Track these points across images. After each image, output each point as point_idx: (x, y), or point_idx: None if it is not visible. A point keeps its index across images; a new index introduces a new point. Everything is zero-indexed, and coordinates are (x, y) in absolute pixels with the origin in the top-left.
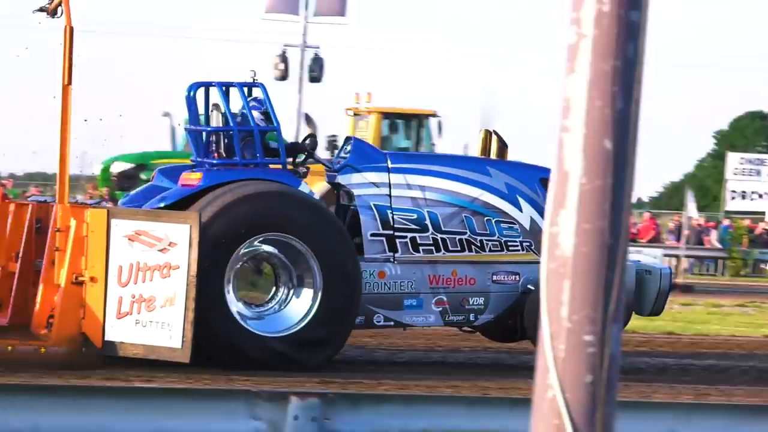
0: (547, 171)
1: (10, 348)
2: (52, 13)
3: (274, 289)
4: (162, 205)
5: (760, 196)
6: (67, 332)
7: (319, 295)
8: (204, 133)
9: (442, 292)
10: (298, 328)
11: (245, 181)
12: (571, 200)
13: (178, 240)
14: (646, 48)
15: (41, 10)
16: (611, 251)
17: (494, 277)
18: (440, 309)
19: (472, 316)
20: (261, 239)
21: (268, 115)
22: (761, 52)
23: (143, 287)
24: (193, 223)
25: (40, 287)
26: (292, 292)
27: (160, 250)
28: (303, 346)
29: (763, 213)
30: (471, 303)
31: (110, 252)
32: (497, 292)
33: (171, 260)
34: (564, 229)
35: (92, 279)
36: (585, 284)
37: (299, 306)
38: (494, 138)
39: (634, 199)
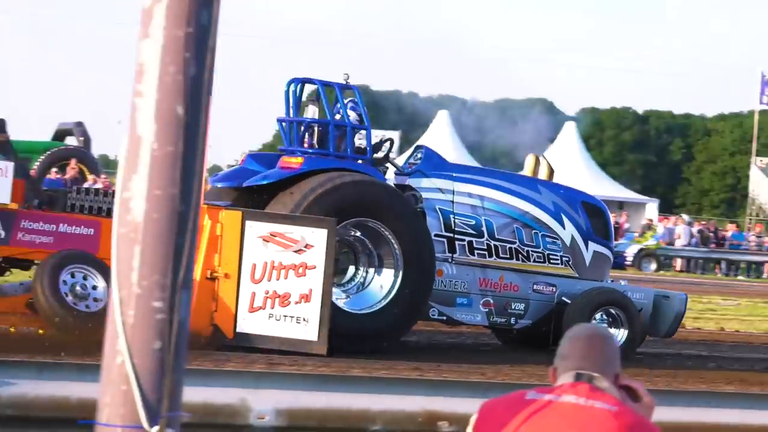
0: (588, 196)
1: None
2: None
3: (353, 269)
4: (265, 182)
5: None
6: (200, 324)
7: (400, 274)
8: (297, 125)
9: (490, 294)
10: (382, 305)
11: (341, 171)
12: (143, 166)
13: (315, 242)
14: (220, 16)
15: None
16: (182, 218)
17: (534, 287)
18: (486, 310)
19: (512, 320)
20: (353, 223)
21: (360, 116)
22: (338, 25)
23: (277, 284)
24: (330, 227)
25: None
26: (373, 271)
27: (296, 251)
28: (385, 325)
29: None
30: (513, 308)
31: (244, 251)
32: (536, 301)
33: (307, 260)
34: (136, 194)
35: (226, 275)
36: (155, 250)
37: (381, 284)
38: (543, 162)
39: (210, 165)
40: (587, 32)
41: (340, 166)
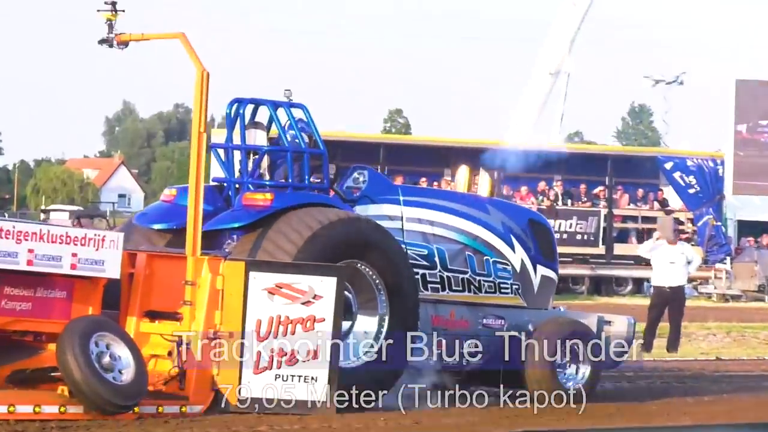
0: (534, 213)
1: (160, 409)
2: (120, 46)
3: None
4: (236, 225)
5: None
6: (202, 389)
7: (386, 320)
8: (246, 152)
9: (442, 333)
10: (370, 357)
11: (317, 206)
12: None
13: (323, 293)
14: None
15: (104, 41)
16: None
17: (484, 321)
18: (438, 351)
19: (464, 362)
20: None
21: (312, 138)
22: None
23: (284, 341)
24: (340, 275)
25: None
26: (354, 319)
27: (304, 303)
28: (372, 379)
29: None
30: (462, 347)
31: (248, 305)
32: (486, 336)
33: (316, 313)
34: None
35: (230, 334)
36: None
37: (366, 331)
38: (484, 176)
39: None
40: None
41: (312, 200)
